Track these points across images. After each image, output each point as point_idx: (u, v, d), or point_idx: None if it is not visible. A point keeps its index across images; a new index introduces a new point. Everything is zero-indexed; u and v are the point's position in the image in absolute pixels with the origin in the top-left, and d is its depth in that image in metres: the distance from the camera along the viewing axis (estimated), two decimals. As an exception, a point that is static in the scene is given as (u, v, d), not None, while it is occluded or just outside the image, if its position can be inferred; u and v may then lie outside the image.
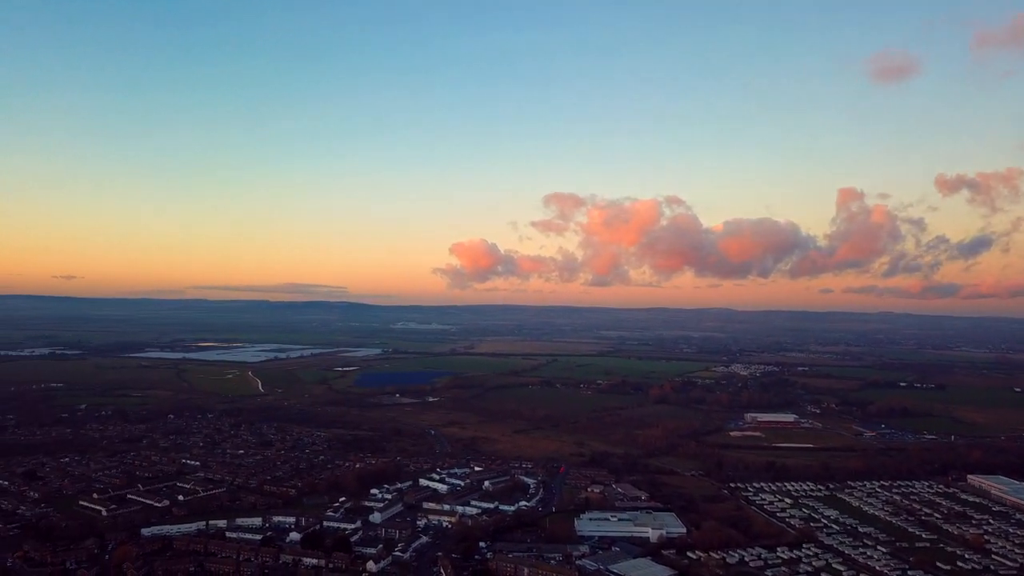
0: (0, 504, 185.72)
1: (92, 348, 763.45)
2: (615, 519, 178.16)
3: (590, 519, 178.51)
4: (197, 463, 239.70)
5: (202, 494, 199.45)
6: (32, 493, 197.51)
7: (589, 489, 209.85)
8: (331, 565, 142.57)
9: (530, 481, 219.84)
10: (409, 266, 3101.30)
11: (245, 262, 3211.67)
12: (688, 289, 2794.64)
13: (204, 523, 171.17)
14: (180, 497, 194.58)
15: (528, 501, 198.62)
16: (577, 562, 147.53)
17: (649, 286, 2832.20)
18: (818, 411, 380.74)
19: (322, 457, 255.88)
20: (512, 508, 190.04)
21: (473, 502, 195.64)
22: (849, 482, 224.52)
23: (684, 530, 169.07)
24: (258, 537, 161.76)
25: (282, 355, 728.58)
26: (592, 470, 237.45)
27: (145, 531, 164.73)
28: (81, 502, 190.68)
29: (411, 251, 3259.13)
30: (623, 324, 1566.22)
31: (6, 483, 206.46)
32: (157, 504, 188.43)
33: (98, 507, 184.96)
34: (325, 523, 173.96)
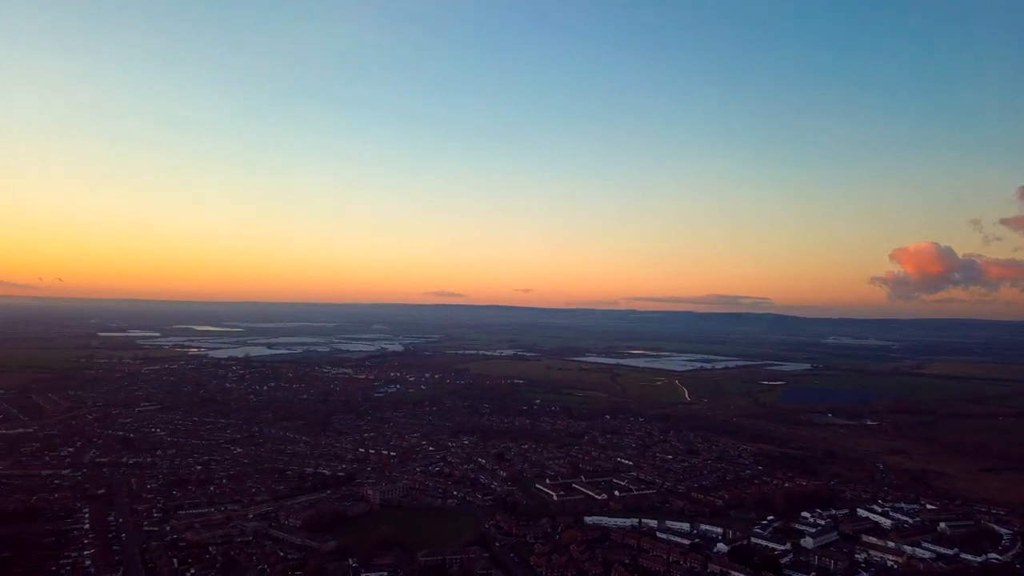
0: (479, 478, 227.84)
1: (544, 351, 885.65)
2: None
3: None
4: (630, 463, 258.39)
5: (635, 492, 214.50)
6: (501, 472, 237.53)
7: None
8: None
9: (1003, 531, 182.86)
10: (840, 275, 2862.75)
11: (672, 273, 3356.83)
12: None
13: (637, 520, 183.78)
14: (616, 492, 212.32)
15: (1000, 554, 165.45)
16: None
17: None
18: None
19: (749, 471, 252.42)
20: (979, 559, 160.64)
21: (925, 544, 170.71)
22: None
23: None
24: (686, 542, 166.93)
25: (707, 365, 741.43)
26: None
27: (587, 519, 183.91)
28: (537, 485, 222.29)
29: (842, 258, 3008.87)
30: None
31: (484, 461, 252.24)
32: (597, 496, 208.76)
33: (550, 491, 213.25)
34: (752, 539, 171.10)
